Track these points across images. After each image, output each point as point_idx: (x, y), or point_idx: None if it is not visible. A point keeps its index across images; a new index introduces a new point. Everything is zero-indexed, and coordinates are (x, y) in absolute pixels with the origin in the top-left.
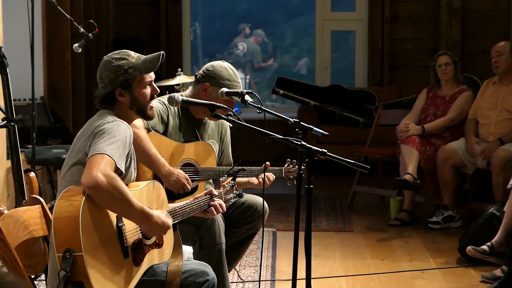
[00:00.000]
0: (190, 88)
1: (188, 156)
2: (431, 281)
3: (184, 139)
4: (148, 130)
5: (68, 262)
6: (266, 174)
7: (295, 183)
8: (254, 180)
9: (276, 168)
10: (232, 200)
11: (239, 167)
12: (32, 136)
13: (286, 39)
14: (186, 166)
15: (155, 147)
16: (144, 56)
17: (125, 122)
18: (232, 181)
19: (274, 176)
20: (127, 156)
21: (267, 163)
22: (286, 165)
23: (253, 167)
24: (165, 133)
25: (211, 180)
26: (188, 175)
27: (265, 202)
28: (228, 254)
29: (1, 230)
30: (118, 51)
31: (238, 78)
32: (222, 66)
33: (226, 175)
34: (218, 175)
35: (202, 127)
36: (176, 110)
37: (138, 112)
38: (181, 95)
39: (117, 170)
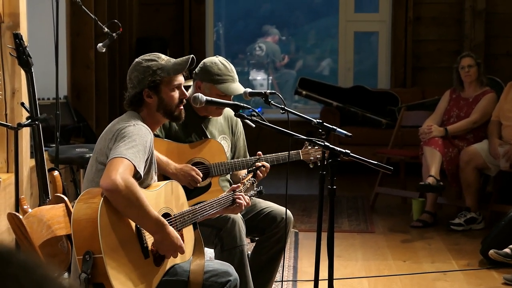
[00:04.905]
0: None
1: (195, 156)
2: (453, 283)
3: (190, 138)
4: None
5: (88, 264)
6: (259, 163)
7: (318, 164)
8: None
9: (294, 151)
10: (253, 198)
11: (256, 164)
12: (55, 135)
13: (309, 40)
14: (195, 165)
15: (160, 152)
16: (174, 59)
17: (147, 126)
18: (252, 178)
19: (268, 165)
20: (146, 160)
21: (259, 152)
22: (303, 148)
23: (254, 157)
24: (168, 137)
25: (228, 176)
26: None
27: (290, 213)
28: (261, 274)
29: (25, 229)
30: (150, 53)
31: (230, 71)
32: (212, 61)
33: (246, 172)
34: (230, 169)
35: (210, 124)
36: None
37: (165, 114)
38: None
39: (136, 174)
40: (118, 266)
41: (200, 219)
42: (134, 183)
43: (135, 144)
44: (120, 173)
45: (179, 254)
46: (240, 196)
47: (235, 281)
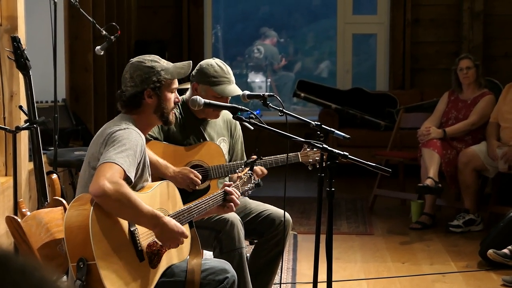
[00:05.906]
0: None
1: (194, 158)
2: (452, 285)
3: (189, 140)
4: (148, 140)
5: (83, 271)
6: (254, 168)
7: (317, 166)
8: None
9: (292, 154)
10: (251, 191)
11: (254, 159)
12: (54, 138)
13: (308, 42)
14: (194, 168)
15: (158, 155)
16: (173, 63)
17: (138, 130)
18: (250, 171)
19: (265, 170)
20: (138, 164)
21: (254, 156)
22: (302, 150)
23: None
24: (167, 139)
25: (227, 179)
26: None
27: (288, 215)
28: (260, 277)
29: (24, 232)
30: (148, 54)
31: (226, 73)
32: (209, 63)
33: (242, 166)
34: (229, 172)
35: (209, 126)
36: (176, 113)
37: (161, 117)
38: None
39: (127, 178)
40: (113, 271)
41: (196, 217)
42: (123, 184)
43: (125, 148)
44: (108, 178)
45: (176, 254)
46: (232, 198)
47: (233, 278)
